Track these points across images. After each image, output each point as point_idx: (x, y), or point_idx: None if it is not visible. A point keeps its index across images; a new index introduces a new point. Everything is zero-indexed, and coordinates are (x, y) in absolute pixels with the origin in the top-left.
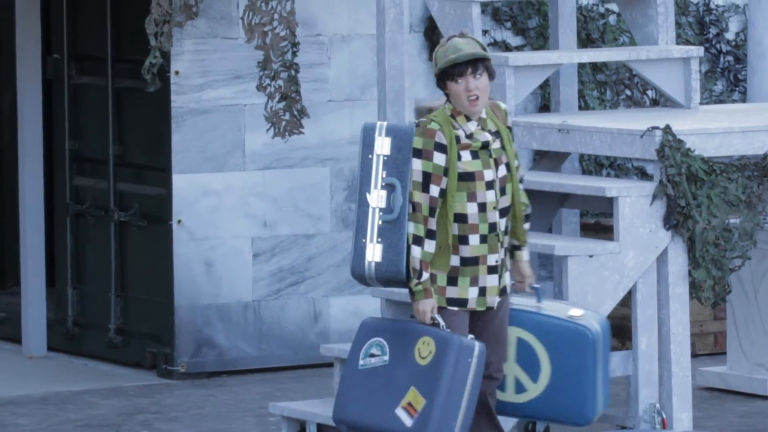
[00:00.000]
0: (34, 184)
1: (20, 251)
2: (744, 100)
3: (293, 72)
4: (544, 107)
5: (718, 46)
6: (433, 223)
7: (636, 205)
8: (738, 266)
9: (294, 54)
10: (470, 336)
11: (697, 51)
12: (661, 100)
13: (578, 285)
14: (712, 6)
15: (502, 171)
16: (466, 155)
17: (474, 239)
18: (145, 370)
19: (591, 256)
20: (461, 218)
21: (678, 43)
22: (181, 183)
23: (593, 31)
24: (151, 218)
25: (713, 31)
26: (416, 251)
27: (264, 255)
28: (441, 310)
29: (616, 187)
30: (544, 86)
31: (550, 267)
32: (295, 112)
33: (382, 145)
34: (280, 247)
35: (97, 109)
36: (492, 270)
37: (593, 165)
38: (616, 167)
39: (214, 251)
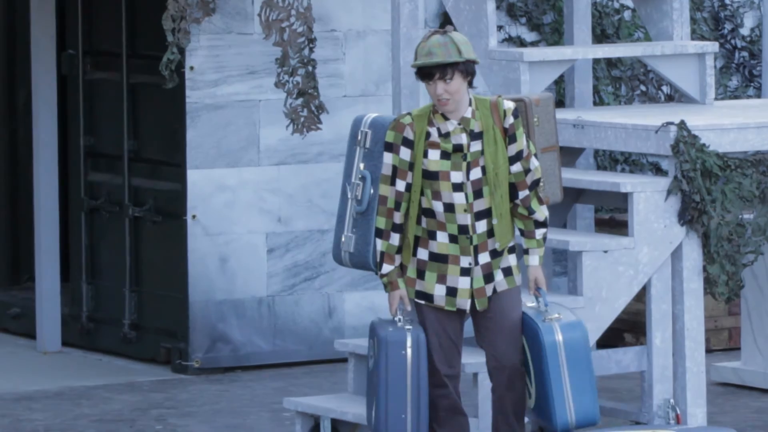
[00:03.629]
0: (49, 179)
1: (35, 247)
2: (759, 96)
3: (311, 68)
4: (559, 103)
5: (732, 41)
6: (398, 217)
7: (650, 200)
8: (751, 261)
9: (311, 50)
10: (407, 327)
11: (712, 47)
12: (676, 96)
13: (593, 280)
14: (726, 2)
15: (476, 174)
16: (433, 154)
17: (442, 236)
18: (159, 366)
19: (605, 252)
20: (430, 213)
21: (693, 39)
22: (195, 178)
23: (608, 26)
24: (165, 214)
25: (728, 26)
26: (378, 244)
27: (278, 250)
28: (416, 303)
29: (630, 183)
30: (559, 82)
31: (564, 262)
32: (313, 108)
33: (365, 138)
34: (295, 242)
35: (111, 104)
36: (465, 272)
37: (608, 160)
38: (631, 163)
39: (228, 246)
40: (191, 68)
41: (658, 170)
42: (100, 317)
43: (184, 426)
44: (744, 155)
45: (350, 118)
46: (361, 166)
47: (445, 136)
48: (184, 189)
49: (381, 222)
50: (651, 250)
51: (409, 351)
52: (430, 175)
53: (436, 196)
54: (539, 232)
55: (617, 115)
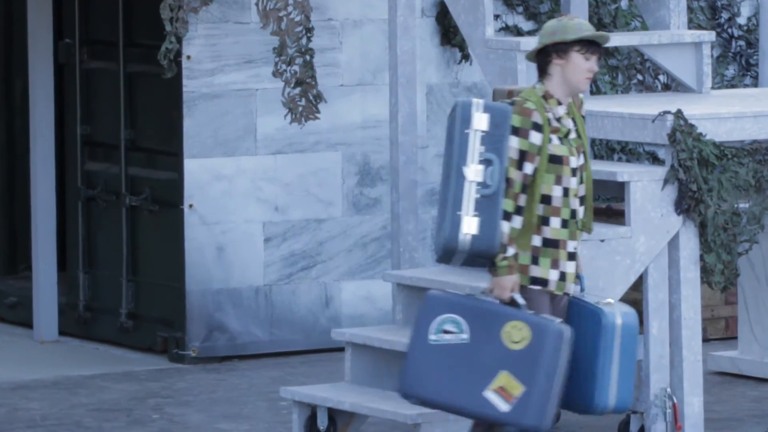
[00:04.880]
0: (46, 168)
1: (32, 236)
2: (756, 85)
3: (308, 57)
4: None
5: (729, 30)
6: (522, 200)
7: (647, 189)
8: (746, 250)
9: (309, 39)
10: (558, 320)
11: (709, 36)
12: (673, 85)
13: (590, 269)
14: None
15: (581, 159)
16: (554, 139)
17: (555, 222)
18: (156, 355)
19: (602, 241)
20: (546, 200)
21: (690, 28)
22: (192, 167)
23: (605, 15)
24: (162, 203)
25: (725, 15)
26: (505, 226)
27: (275, 239)
28: (523, 289)
29: (627, 172)
30: None
31: None
32: (311, 98)
33: (480, 121)
34: (292, 231)
35: (108, 93)
36: (571, 256)
37: (605, 150)
38: (628, 152)
39: (225, 236)
40: (188, 57)
41: (655, 159)
42: (97, 306)
43: (181, 415)
44: (741, 144)
45: (347, 108)
46: (482, 149)
47: (558, 120)
48: (181, 178)
49: (508, 205)
50: (648, 240)
51: (566, 346)
52: (556, 160)
53: (558, 180)
54: None
55: (614, 105)
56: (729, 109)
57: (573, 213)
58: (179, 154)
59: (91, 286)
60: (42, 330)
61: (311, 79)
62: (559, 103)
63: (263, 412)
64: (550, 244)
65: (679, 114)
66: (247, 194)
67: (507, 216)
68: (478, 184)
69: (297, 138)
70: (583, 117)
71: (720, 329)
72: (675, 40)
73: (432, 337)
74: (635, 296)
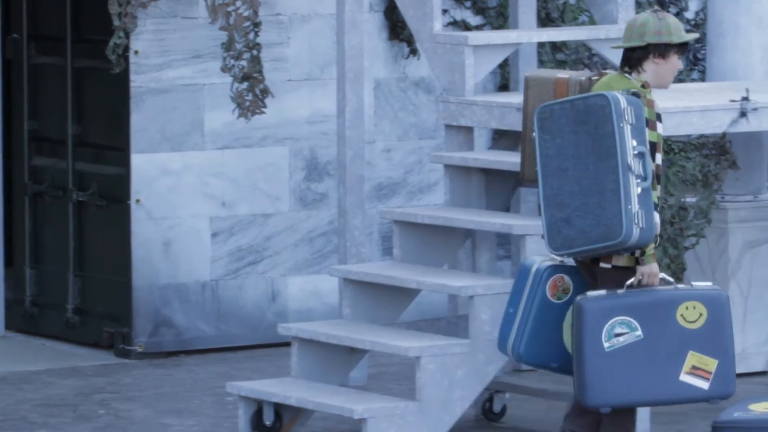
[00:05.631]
0: None
1: None
2: (703, 80)
3: (256, 52)
4: (504, 86)
5: None
6: (660, 191)
7: None
8: (693, 245)
9: (256, 34)
10: (709, 284)
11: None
12: None
13: None
14: None
15: None
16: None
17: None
18: (102, 350)
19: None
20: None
21: None
22: (139, 162)
23: (553, 10)
24: (109, 198)
25: (673, 10)
26: (657, 217)
27: (222, 234)
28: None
29: None
30: (504, 65)
31: (508, 246)
32: (258, 92)
33: (630, 114)
34: (239, 226)
35: (56, 88)
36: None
37: None
38: None
39: (172, 231)
40: (136, 52)
41: None
42: (43, 302)
43: (127, 410)
44: (687, 139)
45: (295, 102)
46: (634, 142)
47: None
48: (128, 173)
49: (655, 197)
50: None
51: (730, 308)
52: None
53: (659, 168)
54: None
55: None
56: (676, 103)
57: (660, 197)
58: (126, 149)
59: (38, 281)
60: None
61: (258, 74)
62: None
63: (209, 407)
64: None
65: None
66: (194, 189)
67: (656, 207)
68: (637, 176)
69: (244, 133)
70: None
71: None
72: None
73: (606, 344)
74: None
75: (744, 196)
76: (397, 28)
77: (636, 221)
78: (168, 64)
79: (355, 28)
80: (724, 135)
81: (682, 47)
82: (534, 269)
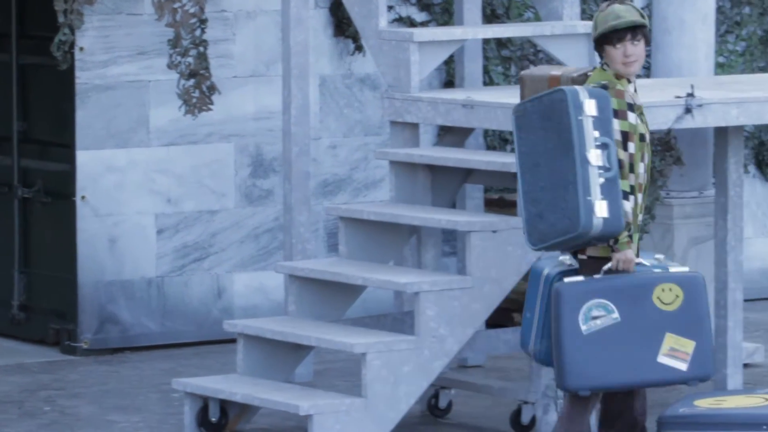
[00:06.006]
0: None
1: None
2: (648, 76)
3: (202, 49)
4: (449, 83)
5: None
6: (632, 179)
7: None
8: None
9: (203, 31)
10: (686, 268)
11: None
12: None
13: (482, 260)
14: None
15: (648, 135)
16: (638, 118)
17: (639, 197)
18: (48, 347)
19: (494, 232)
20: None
21: (583, 19)
22: (85, 159)
23: (498, 6)
24: (54, 194)
25: None
26: (627, 206)
27: (168, 231)
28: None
29: None
30: (449, 62)
31: (453, 242)
32: (205, 89)
33: (590, 107)
34: (184, 223)
35: (1, 85)
36: (640, 229)
37: (498, 140)
38: None
39: (117, 227)
40: (81, 49)
41: None
42: None
43: (72, 407)
44: None
45: (240, 99)
46: (596, 134)
47: (632, 99)
48: (73, 170)
49: (626, 185)
50: None
51: (706, 290)
52: (643, 138)
53: (642, 157)
54: None
55: (507, 95)
56: None
57: (646, 187)
58: (72, 145)
59: None
60: None
61: (205, 71)
62: (629, 82)
63: (155, 403)
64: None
65: None
66: (139, 186)
67: (626, 196)
68: (600, 168)
69: (190, 129)
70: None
71: None
72: (568, 30)
73: (583, 327)
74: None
75: (689, 193)
76: (342, 25)
77: (596, 212)
78: (113, 60)
79: (301, 24)
80: (669, 131)
81: (614, 35)
82: (544, 274)
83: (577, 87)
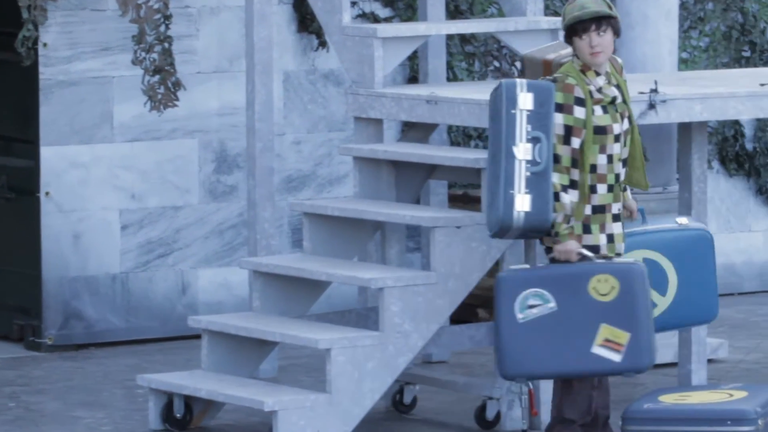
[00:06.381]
0: None
1: None
2: None
3: (167, 45)
4: (413, 78)
5: None
6: (575, 174)
7: None
8: None
9: (167, 27)
10: (632, 259)
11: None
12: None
13: (446, 256)
14: None
15: (626, 124)
16: (598, 110)
17: (602, 188)
18: (12, 343)
19: (458, 228)
20: (593, 168)
21: (546, 15)
22: (49, 155)
23: (461, 2)
24: (18, 190)
25: None
26: (565, 198)
27: (132, 227)
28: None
29: (484, 158)
30: (413, 58)
31: (418, 238)
32: (170, 85)
33: (525, 101)
34: (149, 219)
35: None
36: (616, 218)
37: (461, 136)
38: (485, 138)
39: (82, 223)
40: (45, 45)
41: None
42: None
43: (37, 403)
44: None
45: (204, 95)
46: (528, 128)
47: (599, 91)
48: (37, 166)
49: (564, 179)
50: None
51: (647, 279)
52: (600, 131)
53: (602, 149)
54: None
55: (471, 91)
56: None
57: (617, 177)
58: (35, 141)
59: None
60: None
61: (170, 67)
62: (598, 74)
63: (120, 399)
64: (598, 210)
65: None
66: (103, 182)
67: (565, 189)
68: (528, 162)
69: (154, 125)
70: (625, 80)
71: None
72: (531, 26)
73: (519, 316)
74: (491, 283)
75: (653, 189)
76: (306, 21)
77: (516, 206)
78: (77, 56)
79: (264, 20)
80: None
81: (580, 26)
82: None
83: (518, 80)
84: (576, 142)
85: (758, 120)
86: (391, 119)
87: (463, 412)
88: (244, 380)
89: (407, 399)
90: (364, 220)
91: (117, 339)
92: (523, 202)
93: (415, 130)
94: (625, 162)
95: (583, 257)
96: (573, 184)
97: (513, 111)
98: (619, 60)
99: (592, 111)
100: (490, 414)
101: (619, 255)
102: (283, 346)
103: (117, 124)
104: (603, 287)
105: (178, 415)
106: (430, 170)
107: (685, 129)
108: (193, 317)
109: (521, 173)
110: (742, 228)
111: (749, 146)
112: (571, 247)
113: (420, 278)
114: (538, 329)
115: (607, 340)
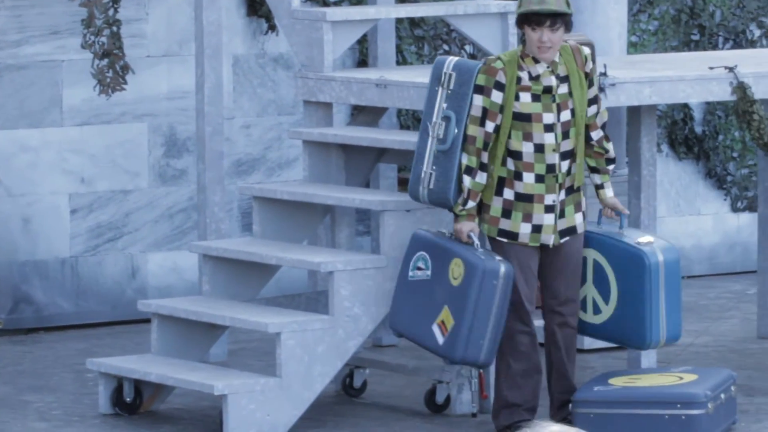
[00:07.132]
0: None
1: None
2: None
3: (116, 29)
4: (362, 62)
5: None
6: (485, 157)
7: None
8: None
9: (116, 10)
10: (498, 258)
11: (514, 6)
12: (479, 56)
13: (395, 239)
14: None
15: (566, 116)
16: (525, 97)
17: (528, 177)
18: None
19: (408, 211)
20: (516, 155)
21: None
22: None
23: None
24: None
25: None
26: (466, 180)
27: (82, 211)
28: (491, 240)
29: None
30: (362, 41)
31: (367, 222)
32: (119, 69)
33: (449, 80)
34: (98, 203)
35: None
36: (549, 209)
37: (411, 120)
38: None
39: (31, 207)
40: None
41: None
42: None
43: None
44: None
45: (153, 79)
46: (444, 106)
47: (535, 78)
48: None
49: (471, 161)
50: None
51: (501, 281)
52: (522, 117)
53: (527, 137)
54: (610, 168)
55: (420, 75)
56: None
57: (551, 168)
58: None
59: None
60: None
61: (119, 51)
62: (537, 62)
63: (69, 383)
64: (523, 198)
65: None
66: (53, 166)
67: (468, 171)
68: (438, 140)
69: (103, 109)
70: (587, 73)
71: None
72: (481, 10)
73: (410, 273)
74: None
75: None
76: (255, 4)
77: (423, 182)
78: (26, 40)
79: (213, 4)
80: None
81: (533, 19)
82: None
83: (451, 58)
84: (490, 126)
85: (707, 103)
86: (340, 103)
87: (413, 395)
88: (194, 364)
89: (357, 383)
90: (314, 204)
91: (67, 323)
92: (428, 179)
93: (364, 114)
94: (572, 155)
95: (470, 241)
96: (483, 167)
97: (436, 88)
98: (586, 51)
99: (517, 96)
100: (440, 398)
101: (546, 246)
102: (233, 330)
103: (66, 108)
104: (456, 271)
105: (128, 399)
106: (380, 154)
107: (635, 112)
108: (142, 301)
109: (431, 151)
110: (691, 211)
111: (698, 129)
112: (462, 227)
113: (370, 262)
114: (414, 291)
115: (442, 322)
